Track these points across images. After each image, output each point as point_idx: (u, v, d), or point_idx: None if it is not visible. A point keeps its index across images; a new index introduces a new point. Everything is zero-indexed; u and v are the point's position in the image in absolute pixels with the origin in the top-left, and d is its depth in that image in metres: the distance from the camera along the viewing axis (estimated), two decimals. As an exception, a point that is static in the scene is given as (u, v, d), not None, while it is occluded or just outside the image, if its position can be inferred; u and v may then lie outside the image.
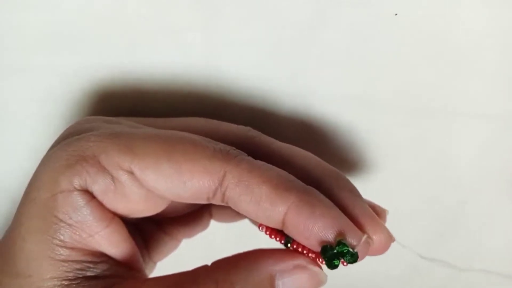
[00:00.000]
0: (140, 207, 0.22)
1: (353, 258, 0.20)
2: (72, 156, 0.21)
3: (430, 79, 0.26)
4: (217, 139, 0.22)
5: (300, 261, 0.20)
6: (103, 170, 0.20)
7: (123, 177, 0.21)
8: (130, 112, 0.28)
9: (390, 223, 0.23)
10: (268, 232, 0.21)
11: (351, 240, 0.20)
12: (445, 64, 0.26)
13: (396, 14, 0.24)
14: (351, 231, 0.20)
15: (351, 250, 0.19)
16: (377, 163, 0.29)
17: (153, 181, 0.20)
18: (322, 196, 0.20)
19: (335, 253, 0.19)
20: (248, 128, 0.25)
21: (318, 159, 0.24)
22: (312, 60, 0.26)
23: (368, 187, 0.28)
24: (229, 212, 0.28)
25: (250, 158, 0.21)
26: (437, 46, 0.25)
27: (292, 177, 0.21)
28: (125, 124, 0.23)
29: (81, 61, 0.27)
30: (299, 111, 0.28)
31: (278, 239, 0.21)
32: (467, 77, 0.26)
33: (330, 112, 0.28)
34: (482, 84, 0.26)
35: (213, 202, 0.21)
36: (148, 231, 0.27)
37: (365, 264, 0.21)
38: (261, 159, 0.21)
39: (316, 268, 0.20)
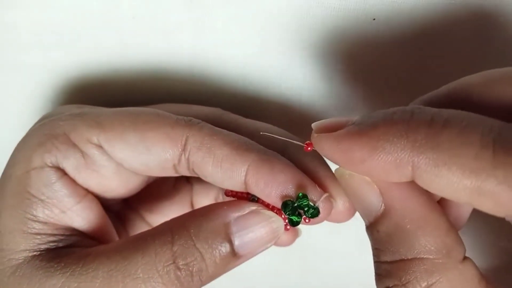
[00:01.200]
0: (112, 183, 0.23)
1: (314, 212, 0.20)
2: (44, 135, 0.22)
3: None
4: None
5: (255, 207, 0.21)
6: (73, 146, 0.21)
7: (92, 150, 0.21)
8: (120, 106, 0.29)
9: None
10: (234, 196, 0.22)
11: (311, 194, 0.20)
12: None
13: (374, 19, 0.24)
14: (311, 186, 0.20)
15: (311, 204, 0.20)
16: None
17: (120, 151, 0.21)
18: (281, 157, 0.21)
19: (295, 207, 0.20)
20: (217, 108, 0.26)
21: (284, 131, 0.24)
22: (297, 60, 0.27)
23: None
24: (209, 200, 0.28)
25: (211, 126, 0.22)
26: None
27: (253, 142, 0.21)
28: (89, 107, 0.24)
29: (73, 59, 0.28)
30: (286, 110, 0.28)
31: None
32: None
33: (316, 109, 0.28)
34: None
35: (181, 171, 0.22)
36: (129, 221, 0.28)
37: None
38: None
39: (270, 213, 0.21)
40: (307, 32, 0.25)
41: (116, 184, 0.23)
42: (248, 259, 0.21)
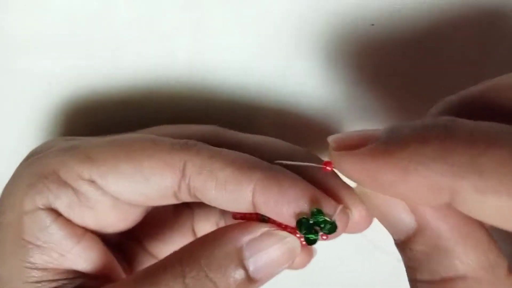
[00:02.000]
0: (110, 218, 0.21)
1: (332, 227, 0.18)
2: (33, 175, 0.20)
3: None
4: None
5: (267, 228, 0.19)
6: (64, 184, 0.20)
7: (84, 187, 0.20)
8: (115, 113, 0.28)
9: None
10: (243, 218, 0.20)
11: (326, 208, 0.19)
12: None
13: (372, 24, 0.24)
14: (325, 199, 0.19)
15: (327, 219, 0.18)
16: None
17: (115, 184, 0.20)
18: (288, 171, 0.20)
19: (311, 224, 0.18)
20: (214, 126, 0.25)
21: (287, 143, 0.23)
22: (296, 65, 0.26)
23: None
24: (211, 225, 0.27)
25: (210, 146, 0.21)
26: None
27: (256, 159, 0.20)
28: (77, 139, 0.23)
29: (66, 64, 0.27)
30: (284, 114, 0.28)
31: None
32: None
33: (315, 113, 0.28)
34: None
35: (182, 197, 0.21)
36: (131, 252, 0.27)
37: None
38: None
39: (284, 233, 0.19)
40: (305, 37, 0.25)
41: (114, 219, 0.22)
42: (265, 282, 0.20)
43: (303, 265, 0.25)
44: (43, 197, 0.20)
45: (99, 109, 0.28)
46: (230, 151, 0.20)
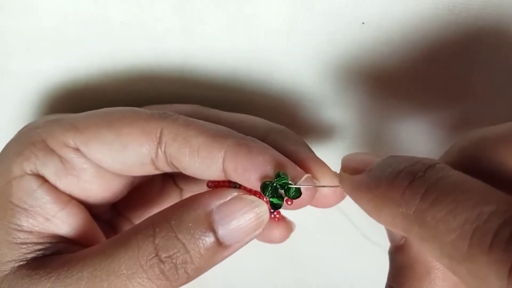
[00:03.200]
0: (94, 186, 0.22)
1: (296, 192, 0.19)
2: (22, 144, 0.22)
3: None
4: None
5: (237, 193, 0.20)
6: (51, 152, 0.21)
7: (70, 154, 0.21)
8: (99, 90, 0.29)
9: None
10: (215, 186, 0.21)
11: (291, 173, 0.19)
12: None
13: (363, 23, 0.25)
14: (290, 164, 0.20)
15: (291, 183, 0.19)
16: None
17: (97, 151, 0.21)
18: (259, 141, 0.20)
19: (275, 187, 0.19)
20: (196, 105, 0.26)
21: (266, 121, 0.24)
22: (286, 66, 0.27)
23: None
24: None
25: (188, 117, 0.21)
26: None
27: (230, 130, 0.21)
28: (72, 114, 0.24)
29: (60, 65, 0.28)
30: (276, 114, 0.28)
31: None
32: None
33: (306, 113, 0.28)
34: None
35: (161, 166, 0.21)
36: (122, 229, 0.27)
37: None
38: None
39: (253, 197, 0.20)
40: (297, 37, 0.25)
41: (98, 188, 0.23)
42: (236, 249, 0.20)
43: (281, 239, 0.25)
44: (31, 163, 0.21)
45: (94, 108, 0.28)
46: (207, 122, 0.21)
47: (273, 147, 0.21)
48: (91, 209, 0.24)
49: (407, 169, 0.17)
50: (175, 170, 0.22)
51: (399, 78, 0.26)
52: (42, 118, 0.25)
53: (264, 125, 0.23)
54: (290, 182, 0.19)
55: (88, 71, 0.28)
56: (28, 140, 0.22)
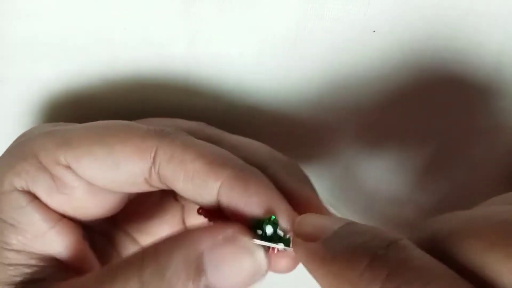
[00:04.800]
0: (86, 204, 0.21)
1: (285, 243, 0.18)
2: (15, 157, 0.21)
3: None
4: None
5: (230, 232, 0.18)
6: (43, 168, 0.20)
7: (61, 172, 0.20)
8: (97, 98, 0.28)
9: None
10: (206, 215, 0.20)
11: (282, 223, 0.18)
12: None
13: (374, 31, 0.24)
14: (284, 214, 0.18)
15: (280, 232, 0.18)
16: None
17: (88, 168, 0.20)
18: (260, 174, 0.19)
19: (263, 235, 0.18)
20: (201, 122, 0.24)
21: (270, 149, 0.22)
22: (294, 73, 0.26)
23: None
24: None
25: (186, 136, 0.20)
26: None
27: (230, 155, 0.20)
28: (65, 125, 0.23)
29: (62, 71, 0.27)
30: (282, 122, 0.28)
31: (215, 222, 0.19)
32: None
33: (313, 121, 0.27)
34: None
35: (155, 184, 0.20)
36: (123, 246, 0.26)
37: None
38: None
39: (250, 243, 0.18)
40: (305, 44, 0.25)
41: (91, 205, 0.22)
42: None
43: (287, 269, 0.23)
44: (21, 180, 0.20)
45: (95, 115, 0.27)
46: (207, 144, 0.20)
47: (272, 180, 0.19)
48: (86, 223, 0.23)
49: (366, 244, 0.15)
50: (169, 189, 0.21)
51: (411, 87, 0.25)
52: (38, 127, 0.24)
53: (267, 154, 0.22)
54: (279, 232, 0.18)
55: (89, 78, 0.27)
56: (20, 153, 0.21)
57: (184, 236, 0.18)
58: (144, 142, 0.20)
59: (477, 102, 0.26)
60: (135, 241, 0.27)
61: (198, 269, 0.17)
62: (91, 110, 0.28)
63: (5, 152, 0.22)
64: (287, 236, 0.18)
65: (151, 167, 0.20)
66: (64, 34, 0.26)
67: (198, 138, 0.21)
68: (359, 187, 0.29)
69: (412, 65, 0.25)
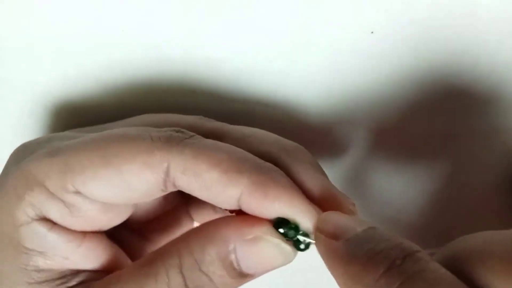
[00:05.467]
0: (104, 219, 0.22)
1: (307, 246, 0.19)
2: (20, 187, 0.20)
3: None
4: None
5: (260, 230, 0.19)
6: (52, 196, 0.20)
7: (72, 198, 0.20)
8: (97, 103, 0.28)
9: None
10: (232, 211, 0.21)
11: (303, 225, 0.19)
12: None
13: (372, 32, 0.24)
14: (305, 215, 0.19)
15: (300, 238, 0.19)
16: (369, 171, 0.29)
17: (99, 192, 0.20)
18: (277, 174, 0.19)
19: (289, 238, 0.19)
20: (199, 116, 0.24)
21: (276, 136, 0.22)
22: (292, 75, 0.26)
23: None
24: (208, 211, 0.27)
25: (195, 140, 0.20)
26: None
27: (244, 155, 0.20)
28: (65, 136, 0.23)
29: (59, 74, 0.27)
30: (279, 125, 0.27)
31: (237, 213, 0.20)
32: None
33: (311, 126, 0.28)
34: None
35: (169, 190, 0.20)
36: (130, 242, 0.26)
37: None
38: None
39: (277, 240, 0.19)
40: (302, 47, 0.25)
41: (108, 219, 0.22)
42: (259, 275, 0.20)
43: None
44: (35, 209, 0.20)
45: (93, 118, 0.28)
46: (217, 146, 0.20)
47: (285, 171, 0.20)
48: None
49: (385, 252, 0.16)
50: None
51: (410, 87, 0.26)
52: (32, 143, 0.23)
53: (274, 144, 0.22)
54: (300, 237, 0.19)
55: (86, 79, 0.27)
56: (25, 182, 0.20)
57: (214, 232, 0.19)
58: (152, 157, 0.19)
59: (476, 104, 0.26)
60: (146, 239, 0.27)
61: (231, 262, 0.19)
62: (88, 112, 0.28)
63: (5, 177, 0.21)
64: (308, 240, 0.19)
65: (165, 179, 0.19)
66: (60, 37, 0.25)
67: (200, 134, 0.21)
68: (364, 191, 0.30)
69: (411, 67, 0.25)
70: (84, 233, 0.21)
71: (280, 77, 0.26)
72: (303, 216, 0.19)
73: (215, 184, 0.19)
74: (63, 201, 0.20)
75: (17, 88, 0.27)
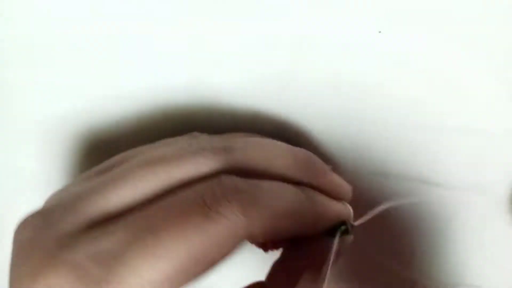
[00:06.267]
0: None
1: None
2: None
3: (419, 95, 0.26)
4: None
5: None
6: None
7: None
8: (111, 136, 0.28)
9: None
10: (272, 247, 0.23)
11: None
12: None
13: (380, 32, 0.23)
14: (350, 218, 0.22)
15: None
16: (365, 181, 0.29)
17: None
18: (315, 195, 0.21)
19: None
20: (194, 132, 0.23)
21: (285, 154, 0.22)
22: (298, 83, 0.26)
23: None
24: None
25: (235, 191, 0.18)
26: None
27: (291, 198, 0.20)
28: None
29: (61, 85, 0.27)
30: (282, 132, 0.27)
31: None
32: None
33: (316, 133, 0.27)
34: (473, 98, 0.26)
35: None
36: None
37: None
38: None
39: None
40: (305, 63, 0.25)
41: None
42: None
43: None
44: None
45: (94, 129, 0.28)
46: (258, 188, 0.19)
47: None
48: None
49: None
50: None
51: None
52: (51, 213, 0.19)
53: (290, 168, 0.22)
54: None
55: (88, 90, 0.27)
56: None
57: None
58: (218, 236, 0.17)
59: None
60: None
61: None
62: (91, 124, 0.28)
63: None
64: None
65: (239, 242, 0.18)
66: (63, 48, 0.25)
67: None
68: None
69: (417, 68, 0.25)
70: None
71: (284, 87, 0.26)
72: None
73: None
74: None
75: (22, 122, 0.28)
